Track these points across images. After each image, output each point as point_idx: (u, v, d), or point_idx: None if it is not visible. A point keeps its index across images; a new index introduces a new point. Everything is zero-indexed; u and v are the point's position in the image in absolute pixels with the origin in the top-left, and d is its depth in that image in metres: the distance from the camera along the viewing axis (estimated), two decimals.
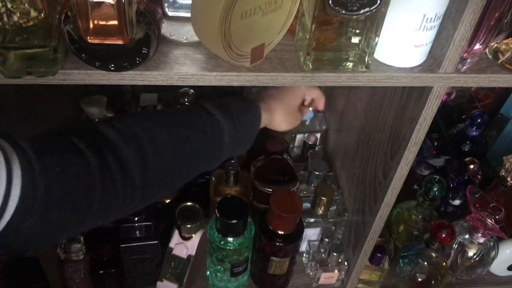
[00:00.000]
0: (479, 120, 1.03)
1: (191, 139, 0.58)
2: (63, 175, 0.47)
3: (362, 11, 0.52)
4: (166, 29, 0.57)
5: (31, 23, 0.49)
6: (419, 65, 0.60)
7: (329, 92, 1.08)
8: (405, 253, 0.97)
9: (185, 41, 0.58)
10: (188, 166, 0.60)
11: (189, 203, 0.85)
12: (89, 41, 0.49)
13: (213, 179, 0.94)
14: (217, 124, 0.61)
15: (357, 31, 0.55)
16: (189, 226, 0.83)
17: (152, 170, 0.54)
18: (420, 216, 0.98)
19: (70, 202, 0.48)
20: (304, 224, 0.88)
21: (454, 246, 0.97)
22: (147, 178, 0.54)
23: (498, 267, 1.04)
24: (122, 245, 0.84)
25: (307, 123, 1.11)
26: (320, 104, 0.76)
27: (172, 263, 0.86)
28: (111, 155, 0.51)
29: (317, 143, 1.10)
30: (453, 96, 1.17)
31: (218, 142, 0.61)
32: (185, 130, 0.59)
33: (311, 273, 0.99)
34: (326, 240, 0.94)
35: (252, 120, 0.66)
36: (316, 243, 0.98)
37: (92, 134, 0.52)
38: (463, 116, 1.15)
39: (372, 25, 0.54)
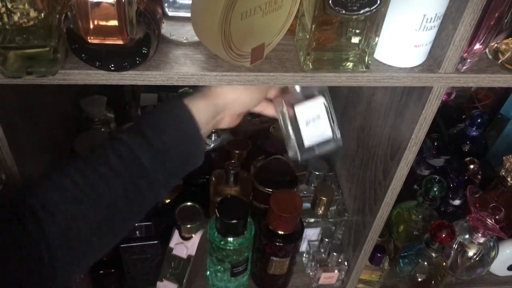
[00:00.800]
0: (479, 120, 1.04)
1: (93, 182, 0.49)
2: None
3: (362, 11, 0.52)
4: (166, 29, 0.57)
5: (31, 23, 0.49)
6: (419, 65, 0.60)
7: (329, 92, 1.08)
8: (405, 253, 0.97)
9: (185, 41, 0.58)
10: (107, 211, 0.50)
11: (189, 203, 0.85)
12: (89, 41, 0.50)
13: (213, 179, 0.94)
14: (125, 149, 0.51)
15: (357, 31, 0.55)
16: (189, 226, 0.83)
17: (55, 237, 0.47)
18: (420, 216, 0.98)
19: None
20: (304, 224, 0.88)
21: (454, 246, 0.97)
22: (52, 249, 0.46)
23: (498, 267, 1.04)
24: (122, 245, 0.84)
25: None
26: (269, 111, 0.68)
27: (172, 263, 0.86)
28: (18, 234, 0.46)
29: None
30: (453, 96, 1.17)
31: (134, 168, 0.51)
32: (82, 173, 0.49)
33: (311, 273, 0.99)
34: (326, 240, 0.94)
35: (182, 128, 0.56)
36: (316, 243, 0.97)
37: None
38: (463, 116, 1.15)
39: (372, 25, 0.54)
